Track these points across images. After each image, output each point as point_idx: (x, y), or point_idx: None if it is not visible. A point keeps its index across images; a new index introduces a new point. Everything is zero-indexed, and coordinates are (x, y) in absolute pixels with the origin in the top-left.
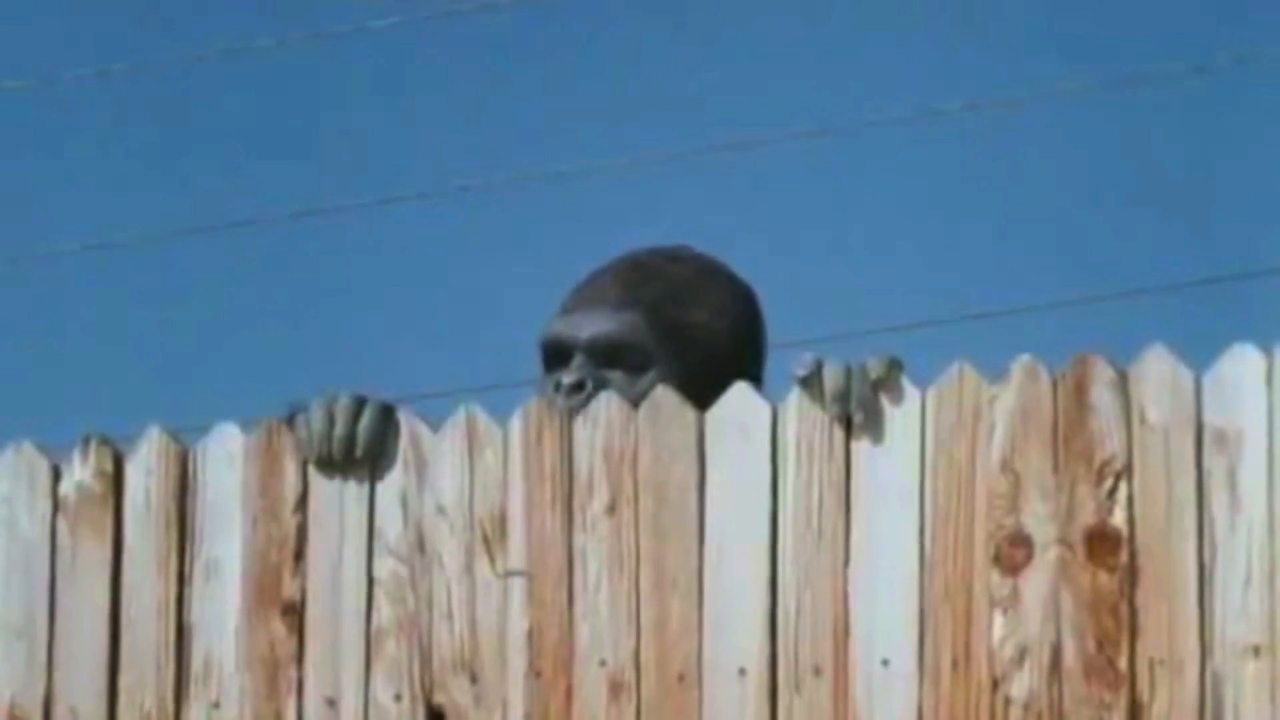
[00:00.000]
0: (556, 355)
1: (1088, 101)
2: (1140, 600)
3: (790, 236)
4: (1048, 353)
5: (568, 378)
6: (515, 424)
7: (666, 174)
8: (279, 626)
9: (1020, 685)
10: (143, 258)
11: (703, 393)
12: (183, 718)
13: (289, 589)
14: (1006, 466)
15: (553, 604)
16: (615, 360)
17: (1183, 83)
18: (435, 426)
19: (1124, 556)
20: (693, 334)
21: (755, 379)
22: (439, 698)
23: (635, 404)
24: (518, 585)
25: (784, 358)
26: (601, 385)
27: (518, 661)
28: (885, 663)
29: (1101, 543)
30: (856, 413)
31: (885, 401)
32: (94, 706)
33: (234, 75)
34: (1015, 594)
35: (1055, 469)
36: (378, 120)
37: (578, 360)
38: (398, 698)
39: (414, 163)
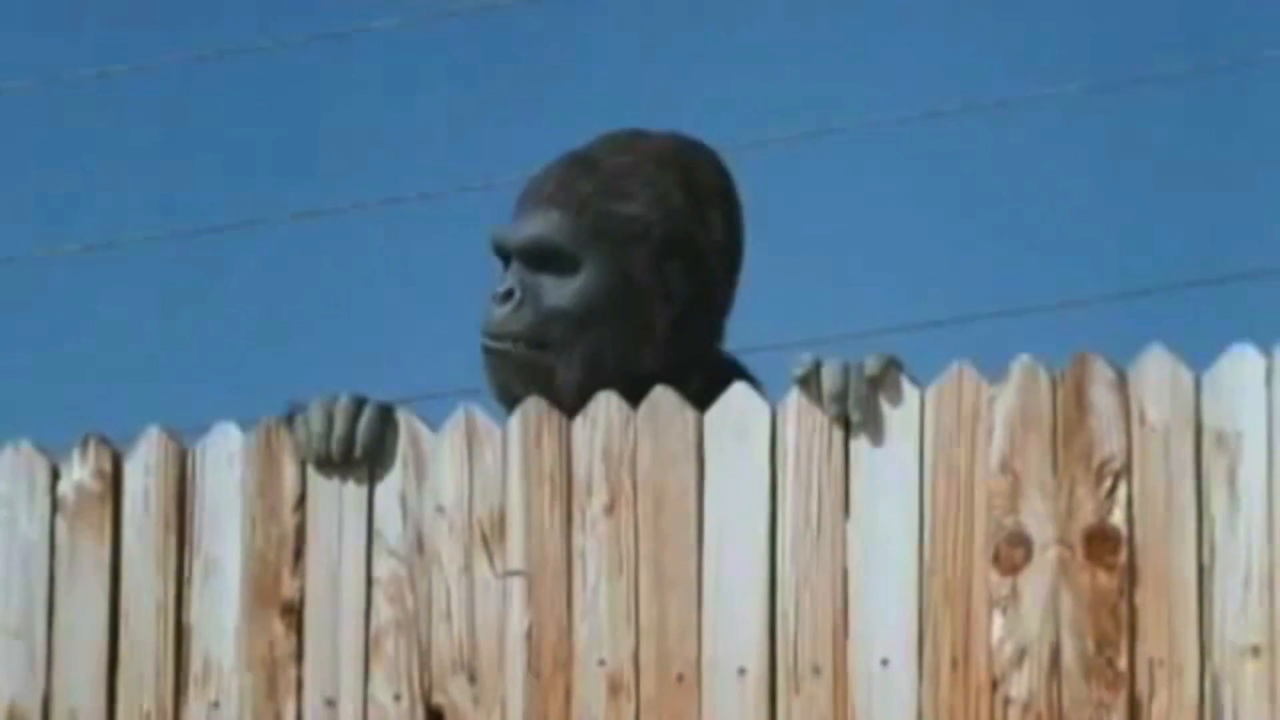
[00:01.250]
0: (501, 260)
1: (1088, 101)
2: (1140, 600)
3: (790, 236)
4: (1048, 353)
5: (500, 285)
6: (514, 424)
7: None
8: (278, 626)
9: (1019, 685)
10: (143, 258)
11: (648, 287)
12: (182, 717)
13: (288, 589)
14: (1006, 466)
15: (552, 604)
16: (545, 264)
17: (1183, 83)
18: (435, 426)
19: (1123, 556)
20: (625, 228)
21: (718, 258)
22: (438, 698)
23: (562, 309)
24: (517, 585)
25: (783, 358)
26: (533, 293)
27: (517, 661)
28: (884, 663)
29: (1101, 543)
30: (854, 412)
31: (884, 402)
32: (93, 706)
33: (234, 75)
34: (1014, 594)
35: (1054, 469)
36: (378, 120)
37: (513, 266)
38: (397, 698)
39: (414, 163)
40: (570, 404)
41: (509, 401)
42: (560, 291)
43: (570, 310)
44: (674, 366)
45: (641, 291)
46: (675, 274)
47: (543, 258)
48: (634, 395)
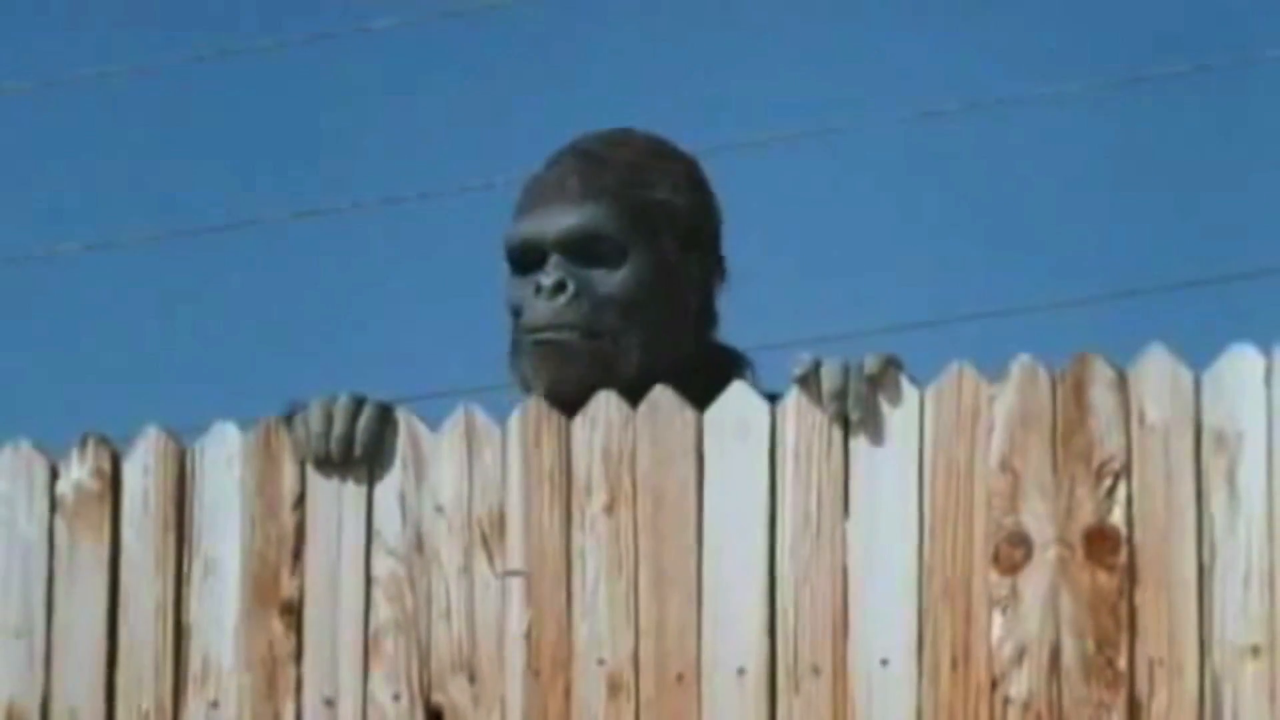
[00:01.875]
0: (527, 258)
1: (1088, 101)
2: (1139, 600)
3: (790, 237)
4: (1048, 353)
5: (546, 279)
6: (514, 424)
7: None
8: (277, 626)
9: (1019, 685)
10: (143, 258)
11: (679, 273)
12: (181, 717)
13: (287, 588)
14: (1005, 466)
15: (551, 604)
16: (590, 254)
17: (1183, 83)
18: (435, 426)
19: (1123, 556)
20: (659, 213)
21: (716, 249)
22: (437, 697)
23: (614, 298)
24: (516, 585)
25: (783, 358)
26: (583, 284)
27: (516, 661)
28: (884, 662)
29: (1100, 542)
30: (854, 412)
31: (884, 401)
32: (92, 706)
33: (234, 75)
34: (1014, 594)
35: (1054, 469)
36: (378, 120)
37: (553, 260)
38: (396, 697)
39: (414, 163)
40: (630, 392)
41: (561, 396)
42: (611, 280)
43: (623, 299)
44: (706, 352)
45: (676, 276)
46: (695, 259)
47: (588, 249)
48: (681, 382)
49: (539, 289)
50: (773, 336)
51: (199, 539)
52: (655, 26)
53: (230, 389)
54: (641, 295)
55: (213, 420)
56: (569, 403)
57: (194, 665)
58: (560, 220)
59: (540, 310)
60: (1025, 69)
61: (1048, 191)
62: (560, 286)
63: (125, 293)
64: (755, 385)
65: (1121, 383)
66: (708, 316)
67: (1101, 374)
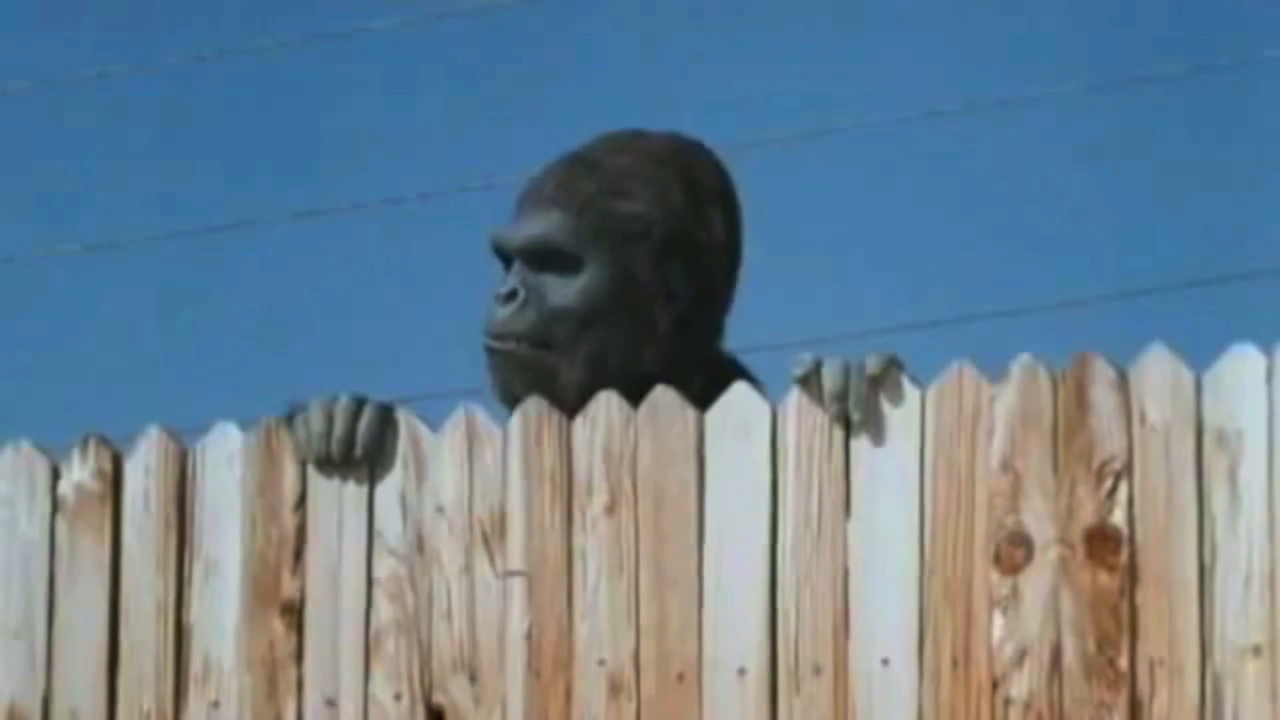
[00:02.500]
0: (501, 261)
1: (1088, 102)
2: (1140, 600)
3: (790, 236)
4: (1048, 353)
5: (503, 285)
6: (515, 424)
7: None
8: (278, 626)
9: (1020, 685)
10: (143, 258)
11: (650, 286)
12: (182, 717)
13: (288, 589)
14: (1006, 466)
15: (552, 604)
16: (547, 263)
17: (1183, 83)
18: (435, 426)
19: (1124, 556)
20: (627, 227)
21: (714, 258)
22: (438, 697)
23: (565, 309)
24: (517, 585)
25: (783, 358)
26: (535, 293)
27: (517, 661)
28: (885, 662)
29: (1101, 542)
30: (855, 411)
31: (885, 401)
32: (93, 706)
33: (234, 75)
34: (1015, 594)
35: (1055, 469)
36: (378, 120)
37: (515, 266)
38: (397, 697)
39: (414, 163)
40: (573, 404)
41: (511, 402)
42: (563, 291)
43: (574, 310)
44: (676, 366)
45: (644, 291)
46: (676, 273)
47: (545, 258)
48: (636, 395)
49: (496, 294)
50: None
51: (200, 539)
52: (655, 26)
53: (230, 389)
54: (595, 307)
55: (213, 420)
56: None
57: (195, 665)
58: (525, 227)
59: (492, 316)
60: (1025, 69)
61: (1048, 191)
62: (512, 294)
63: (125, 293)
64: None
65: (1122, 383)
66: (697, 326)
67: (1102, 374)
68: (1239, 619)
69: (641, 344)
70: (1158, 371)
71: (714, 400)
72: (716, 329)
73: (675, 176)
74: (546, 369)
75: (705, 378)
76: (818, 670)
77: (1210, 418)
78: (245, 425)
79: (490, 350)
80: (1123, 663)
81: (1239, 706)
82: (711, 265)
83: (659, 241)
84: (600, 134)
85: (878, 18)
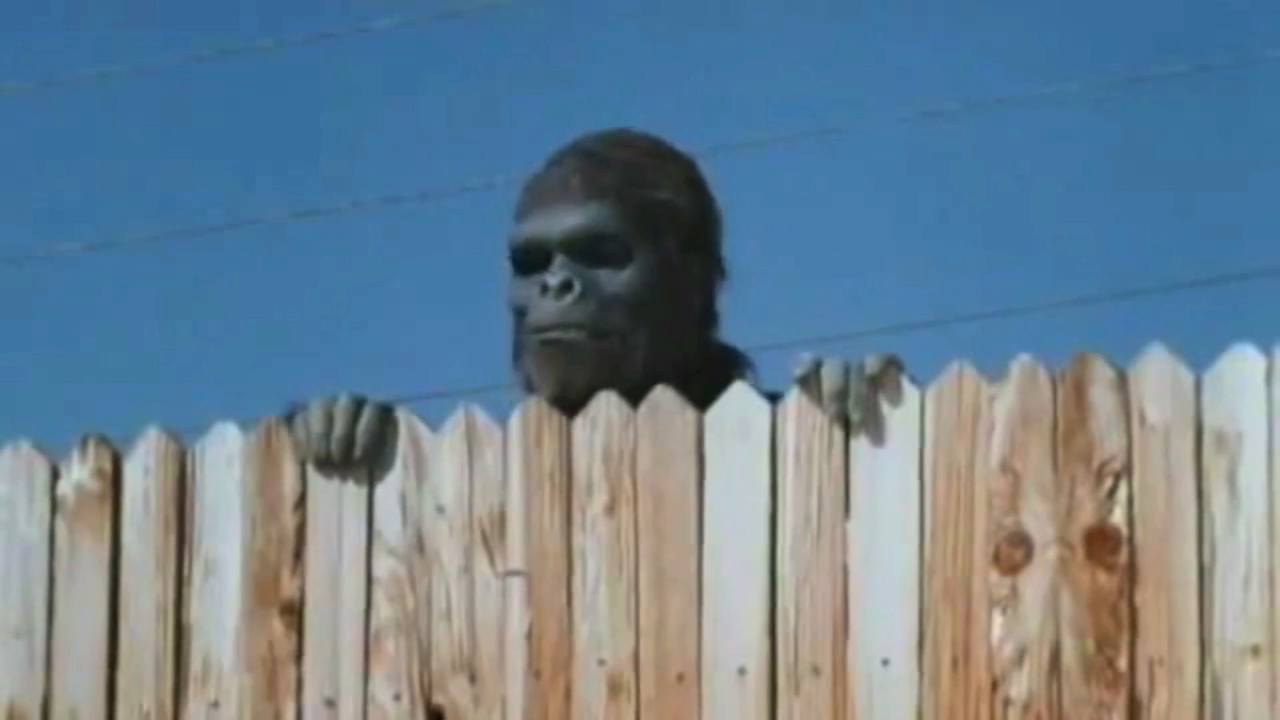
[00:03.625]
0: (531, 258)
1: (1088, 101)
2: (1140, 600)
3: (790, 237)
4: (1048, 353)
5: (553, 278)
6: (515, 424)
7: None
8: (278, 626)
9: (1019, 685)
10: (143, 258)
11: (682, 273)
12: (181, 717)
13: (288, 589)
14: (1006, 466)
15: (552, 604)
16: (595, 254)
17: (1183, 83)
18: (435, 426)
19: (1123, 556)
20: (661, 213)
21: (716, 250)
22: (438, 697)
23: (621, 298)
24: (517, 585)
25: (783, 358)
26: (589, 284)
27: (517, 661)
28: (885, 663)
29: (1101, 542)
30: (854, 412)
31: (884, 401)
32: (93, 706)
33: (234, 75)
34: (1015, 594)
35: (1055, 469)
36: (378, 120)
37: (558, 260)
38: (397, 697)
39: (414, 163)
40: (636, 391)
41: (568, 396)
42: (617, 280)
43: (629, 298)
44: (709, 351)
45: (679, 276)
46: (696, 259)
47: (594, 248)
48: (683, 382)
49: (545, 289)
50: (773, 336)
51: (200, 539)
52: (655, 26)
53: (230, 389)
54: (647, 295)
55: (213, 420)
56: (575, 404)
57: (194, 665)
58: (565, 220)
59: (547, 310)
60: (1025, 69)
61: (1048, 191)
62: (567, 286)
63: (125, 293)
64: (756, 385)
65: (1122, 383)
66: (709, 316)
67: (1102, 374)
68: (1238, 619)
69: (684, 329)
70: (1157, 371)
71: (722, 388)
72: (717, 318)
73: (678, 169)
74: (611, 357)
75: (718, 366)
76: (817, 670)
77: (1210, 418)
78: (245, 425)
79: (551, 343)
80: (1122, 663)
81: (1238, 706)
82: (717, 255)
83: (686, 229)
84: (578, 137)
85: (878, 18)
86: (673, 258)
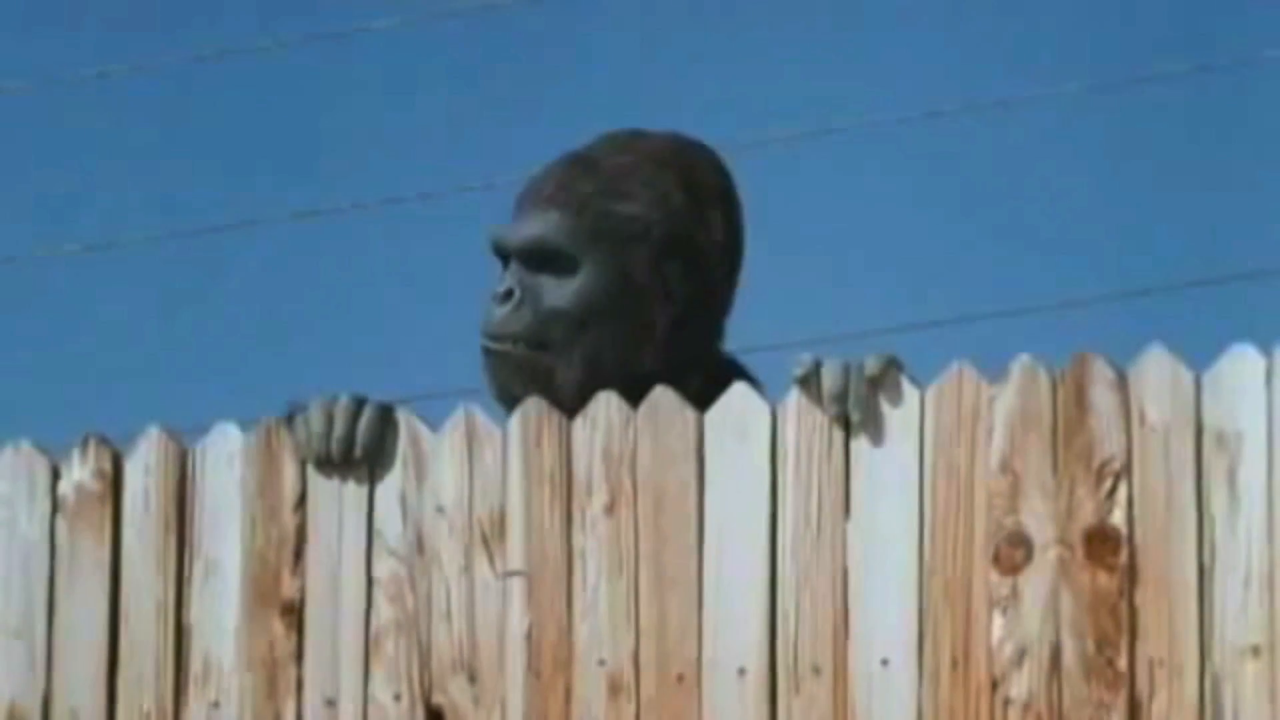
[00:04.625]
0: (500, 261)
1: (1088, 101)
2: (1140, 600)
3: (790, 236)
4: (1048, 353)
5: (500, 285)
6: (514, 424)
7: None
8: (278, 626)
9: (1019, 685)
10: (143, 258)
11: (649, 287)
12: (182, 718)
13: (288, 589)
14: (1006, 467)
15: (552, 604)
16: (544, 264)
17: (1183, 83)
18: (435, 426)
19: (1123, 557)
20: (625, 228)
21: (714, 258)
22: (438, 698)
23: (559, 310)
24: (517, 585)
25: (783, 358)
26: (532, 294)
27: (517, 661)
28: (885, 663)
29: (1101, 543)
30: (854, 412)
31: (884, 402)
32: (93, 706)
33: (234, 75)
34: (1015, 594)
35: (1055, 469)
36: (378, 120)
37: (512, 266)
38: (397, 698)
39: (414, 163)
40: (570, 404)
41: (509, 402)
42: (560, 292)
43: (570, 310)
44: (674, 366)
45: (641, 291)
46: (675, 274)
47: (542, 258)
48: (634, 395)
49: (494, 294)
50: (773, 336)
51: (200, 540)
52: (655, 26)
53: (230, 389)
54: (592, 308)
55: (213, 420)
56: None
57: (195, 666)
58: (523, 228)
59: (489, 316)
60: (1025, 69)
61: (1048, 191)
62: (508, 295)
63: (125, 293)
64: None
65: (1122, 383)
66: (696, 326)
67: (1101, 374)
68: (1238, 619)
69: (638, 345)
70: (1157, 372)
71: (713, 401)
72: (716, 329)
73: (675, 177)
74: (543, 369)
75: (704, 378)
76: (817, 670)
77: (1210, 418)
78: (245, 425)
79: (487, 351)
80: (1122, 663)
81: (1238, 707)
82: (710, 266)
83: (657, 242)
84: (601, 134)
85: (878, 18)
86: (634, 272)
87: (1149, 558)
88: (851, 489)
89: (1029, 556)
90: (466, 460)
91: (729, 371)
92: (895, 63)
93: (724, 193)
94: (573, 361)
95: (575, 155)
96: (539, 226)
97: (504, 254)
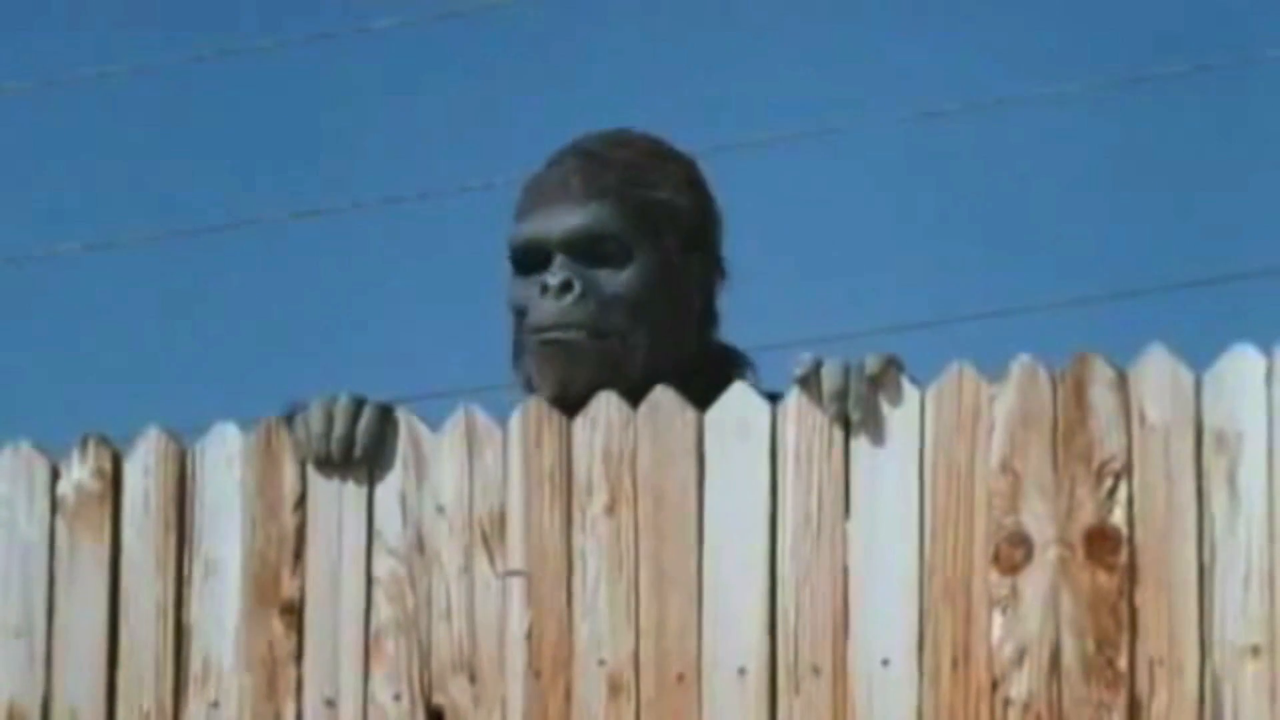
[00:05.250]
0: (531, 258)
1: (1088, 101)
2: (1140, 600)
3: (790, 237)
4: (1048, 353)
5: (553, 278)
6: (515, 424)
7: None
8: (278, 626)
9: (1019, 685)
10: (143, 258)
11: (682, 273)
12: (181, 717)
13: (288, 589)
14: (1006, 466)
15: (552, 604)
16: (595, 254)
17: (1183, 83)
18: (435, 426)
19: (1123, 556)
20: (661, 213)
21: (716, 249)
22: (438, 697)
23: (621, 298)
24: (517, 585)
25: (783, 358)
26: (589, 284)
27: (517, 661)
28: (885, 663)
29: (1101, 542)
30: (854, 412)
31: (885, 401)
32: (93, 706)
33: (234, 75)
34: (1015, 594)
35: (1055, 469)
36: (378, 120)
37: (558, 260)
38: (397, 697)
39: (414, 163)
40: (636, 392)
41: (568, 396)
42: (617, 279)
43: (630, 297)
44: (708, 353)
45: (680, 276)
46: (696, 260)
47: (594, 249)
48: (684, 382)
49: (545, 288)
50: (773, 336)
51: (200, 539)
52: (655, 26)
53: (230, 389)
54: (647, 295)
55: (213, 420)
56: (575, 404)
57: (194, 666)
58: (565, 220)
59: (547, 310)
60: (1025, 69)
61: (1048, 191)
62: (567, 286)
63: (125, 293)
64: (756, 385)
65: (1122, 383)
66: (710, 316)
67: (1102, 374)
68: (1238, 619)
69: (685, 328)
70: (1157, 372)
71: (722, 388)
72: (717, 317)
73: (678, 169)
74: (611, 357)
75: (718, 366)
76: (817, 670)
77: (1210, 418)
78: (245, 425)
79: (551, 343)
80: (1122, 663)
81: (1238, 706)
82: (717, 255)
83: (686, 229)
84: (574, 139)
85: (878, 18)
86: (673, 258)
87: (1149, 557)
88: (851, 489)
89: (1029, 556)
90: (466, 460)
91: (735, 363)
92: (895, 63)
93: (705, 185)
94: (638, 348)
95: (577, 152)
96: (583, 217)
97: (543, 251)
